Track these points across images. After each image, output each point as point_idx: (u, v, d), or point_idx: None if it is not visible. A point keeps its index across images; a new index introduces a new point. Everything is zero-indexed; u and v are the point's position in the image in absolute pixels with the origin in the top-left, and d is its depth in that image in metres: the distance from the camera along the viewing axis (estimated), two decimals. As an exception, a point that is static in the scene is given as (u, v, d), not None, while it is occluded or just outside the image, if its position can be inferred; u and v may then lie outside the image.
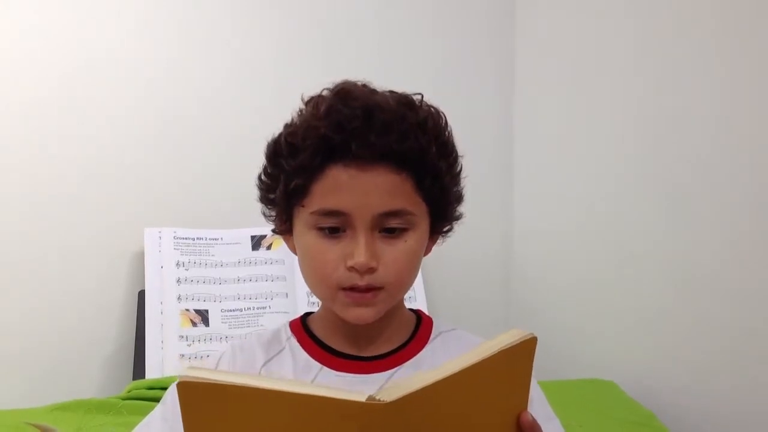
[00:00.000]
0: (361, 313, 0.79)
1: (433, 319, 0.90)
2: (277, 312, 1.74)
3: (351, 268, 0.76)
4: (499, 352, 0.62)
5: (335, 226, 0.77)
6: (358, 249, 0.76)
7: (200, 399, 0.56)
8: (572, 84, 1.96)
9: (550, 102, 2.06)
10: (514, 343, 0.63)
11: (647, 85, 1.70)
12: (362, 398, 0.55)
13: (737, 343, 1.48)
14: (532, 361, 0.66)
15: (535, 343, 0.65)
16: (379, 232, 0.78)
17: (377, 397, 0.55)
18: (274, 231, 0.87)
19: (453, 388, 0.59)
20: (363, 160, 0.76)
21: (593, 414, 1.49)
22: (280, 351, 0.85)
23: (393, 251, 0.78)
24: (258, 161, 0.86)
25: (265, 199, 0.85)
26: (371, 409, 0.54)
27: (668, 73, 1.64)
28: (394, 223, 0.78)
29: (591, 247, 1.90)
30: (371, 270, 0.76)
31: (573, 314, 1.93)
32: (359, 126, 0.76)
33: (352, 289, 0.77)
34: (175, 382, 0.84)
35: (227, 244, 1.79)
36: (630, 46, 1.76)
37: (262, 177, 0.84)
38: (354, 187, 0.76)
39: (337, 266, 0.77)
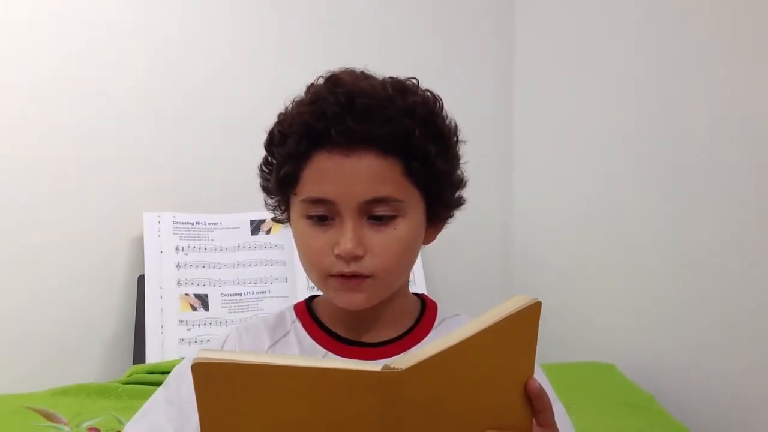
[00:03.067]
0: (351, 299, 0.79)
1: (438, 305, 0.89)
2: (276, 296, 1.74)
3: (338, 256, 0.76)
4: (506, 317, 0.62)
5: (323, 215, 0.78)
6: (344, 237, 0.76)
7: (215, 380, 0.56)
8: (571, 82, 1.95)
9: (549, 101, 2.05)
10: (520, 309, 0.63)
11: (645, 79, 1.69)
12: (377, 368, 0.55)
13: (736, 327, 1.48)
14: (538, 326, 0.66)
15: (540, 309, 0.65)
16: (368, 219, 0.77)
17: (392, 365, 0.55)
18: (274, 219, 0.87)
19: (464, 356, 0.60)
20: (345, 146, 0.75)
21: (593, 396, 1.49)
22: (285, 334, 0.85)
23: (381, 239, 0.77)
24: (256, 146, 0.86)
25: (265, 188, 0.86)
26: (388, 378, 0.55)
27: (668, 68, 1.63)
28: (381, 210, 0.77)
29: (590, 231, 1.90)
30: (357, 258, 0.76)
31: (573, 298, 1.94)
32: (339, 112, 0.75)
33: (340, 275, 0.77)
34: (178, 366, 0.85)
35: (226, 228, 1.78)
36: (629, 43, 1.76)
37: (262, 166, 0.85)
38: (338, 175, 0.76)
39: (326, 254, 0.77)
